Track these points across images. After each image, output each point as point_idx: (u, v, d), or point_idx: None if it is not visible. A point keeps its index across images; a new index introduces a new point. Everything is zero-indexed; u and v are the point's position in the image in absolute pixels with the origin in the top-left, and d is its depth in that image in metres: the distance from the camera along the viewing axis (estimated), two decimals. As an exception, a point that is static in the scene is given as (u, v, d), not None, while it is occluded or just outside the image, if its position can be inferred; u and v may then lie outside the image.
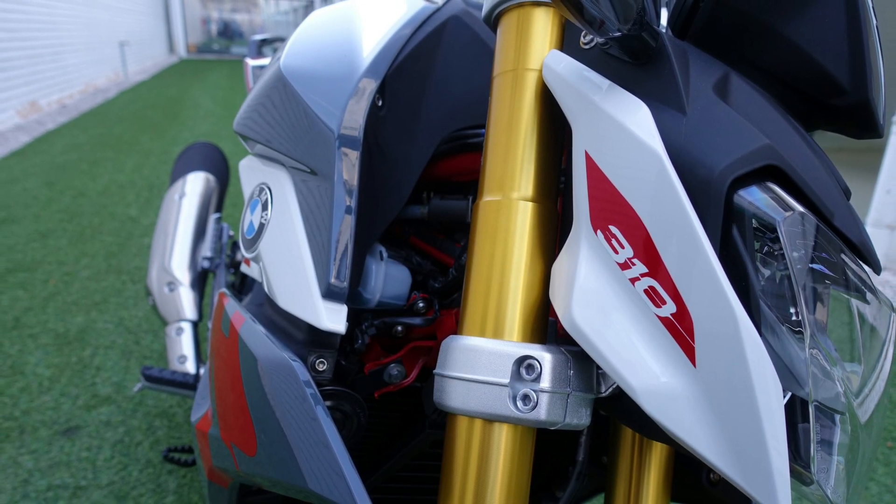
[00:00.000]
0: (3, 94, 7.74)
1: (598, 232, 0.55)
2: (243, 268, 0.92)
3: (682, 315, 0.51)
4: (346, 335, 0.77)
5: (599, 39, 0.59)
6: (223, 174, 2.43)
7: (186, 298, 1.98)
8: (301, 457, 0.64)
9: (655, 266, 0.52)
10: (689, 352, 0.51)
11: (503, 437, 0.59)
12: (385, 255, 0.83)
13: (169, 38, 20.83)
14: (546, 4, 0.65)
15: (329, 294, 0.71)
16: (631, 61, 0.58)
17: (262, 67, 2.19)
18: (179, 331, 1.92)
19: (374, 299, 0.81)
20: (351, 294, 0.73)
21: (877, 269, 0.58)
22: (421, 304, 0.86)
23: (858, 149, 6.73)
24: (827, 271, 0.52)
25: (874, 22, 0.58)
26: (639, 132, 0.53)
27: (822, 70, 0.57)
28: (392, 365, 0.86)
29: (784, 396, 0.49)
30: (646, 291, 0.53)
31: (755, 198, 0.52)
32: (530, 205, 0.62)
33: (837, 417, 0.52)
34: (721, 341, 0.49)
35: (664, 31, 0.60)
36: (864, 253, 0.56)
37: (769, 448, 0.48)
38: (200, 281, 2.06)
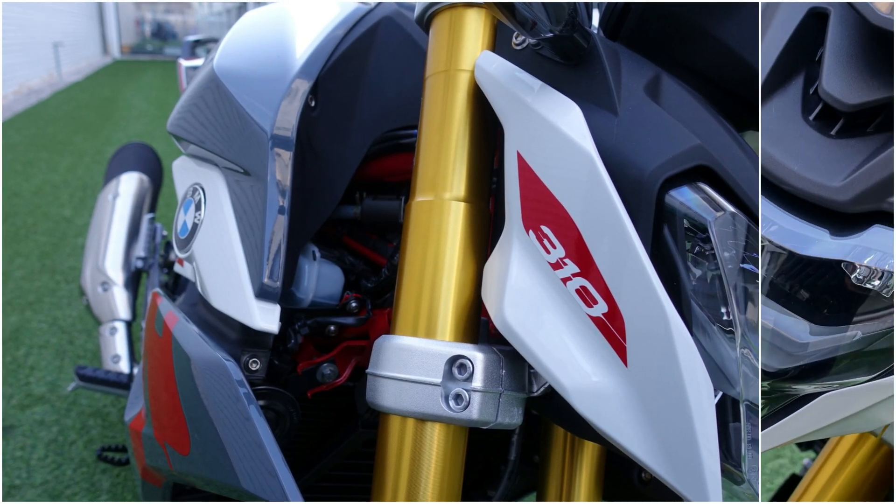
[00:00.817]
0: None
1: (530, 232, 0.55)
2: (177, 268, 0.91)
3: (614, 315, 0.51)
4: (279, 335, 0.76)
5: (531, 40, 0.59)
6: (157, 174, 2.44)
7: (120, 298, 1.99)
8: (234, 456, 0.63)
9: (587, 266, 0.52)
10: (621, 351, 0.51)
11: (435, 437, 0.59)
12: (318, 254, 0.83)
13: (103, 39, 20.34)
14: (478, 6, 0.65)
15: (262, 294, 0.71)
16: (563, 62, 0.59)
17: (195, 68, 2.19)
18: (113, 330, 1.92)
19: (306, 299, 0.81)
20: (284, 294, 0.73)
21: None
22: (353, 304, 0.86)
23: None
24: (757, 271, 0.52)
25: None
26: (570, 133, 0.53)
27: (751, 70, 0.57)
28: (325, 364, 0.86)
29: (715, 396, 0.50)
30: (577, 291, 0.53)
31: (686, 198, 0.52)
32: (462, 205, 0.61)
33: (766, 416, 0.53)
34: (652, 341, 0.49)
35: (596, 32, 0.60)
36: None
37: (700, 447, 0.48)
38: (134, 281, 2.07)
